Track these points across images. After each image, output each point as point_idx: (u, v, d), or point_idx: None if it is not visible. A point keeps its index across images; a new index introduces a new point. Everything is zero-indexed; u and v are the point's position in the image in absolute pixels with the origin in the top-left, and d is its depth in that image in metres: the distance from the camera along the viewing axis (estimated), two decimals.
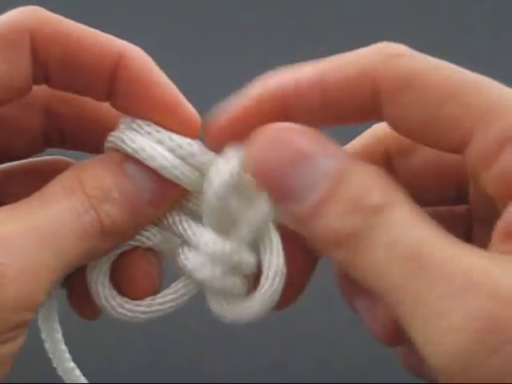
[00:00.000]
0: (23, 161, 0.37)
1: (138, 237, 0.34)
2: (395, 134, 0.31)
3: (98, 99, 0.34)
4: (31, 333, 0.31)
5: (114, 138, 0.33)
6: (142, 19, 0.83)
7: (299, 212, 0.28)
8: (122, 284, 0.34)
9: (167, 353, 0.66)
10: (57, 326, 0.36)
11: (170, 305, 0.34)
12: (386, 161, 0.35)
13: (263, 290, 0.33)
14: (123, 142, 0.32)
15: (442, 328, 0.25)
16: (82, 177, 0.31)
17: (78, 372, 0.36)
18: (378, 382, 0.63)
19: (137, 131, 0.32)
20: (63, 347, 0.36)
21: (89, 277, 0.34)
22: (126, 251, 0.34)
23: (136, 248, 0.34)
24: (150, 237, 0.34)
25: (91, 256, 0.32)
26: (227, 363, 0.66)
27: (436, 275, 0.25)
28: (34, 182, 0.36)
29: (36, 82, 0.32)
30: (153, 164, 0.32)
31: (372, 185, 0.27)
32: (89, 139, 0.36)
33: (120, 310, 0.34)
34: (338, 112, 0.31)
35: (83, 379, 0.36)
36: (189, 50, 0.80)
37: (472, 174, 0.29)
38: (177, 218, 0.34)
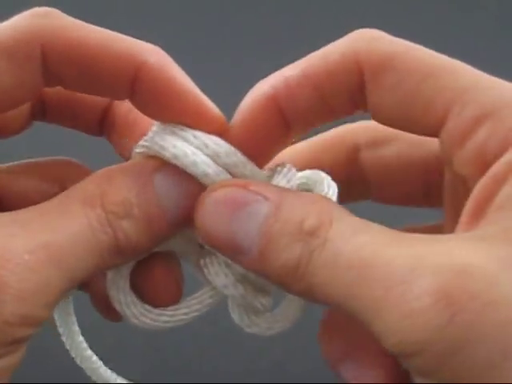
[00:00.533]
0: (27, 160, 0.36)
1: None
2: (367, 125, 0.33)
3: (118, 99, 0.33)
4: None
5: (149, 143, 0.31)
6: (142, 19, 0.83)
7: (251, 262, 0.29)
8: (142, 290, 0.33)
9: (167, 353, 0.66)
10: (73, 319, 0.35)
11: (194, 315, 0.33)
12: (352, 155, 0.36)
13: (287, 310, 0.34)
14: (162, 147, 0.31)
15: (397, 318, 0.25)
16: (105, 188, 0.30)
17: (95, 358, 0.36)
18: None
19: (177, 136, 0.31)
20: (80, 338, 0.35)
21: (109, 283, 0.33)
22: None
23: (156, 252, 0.33)
24: (172, 242, 0.33)
25: (102, 270, 0.31)
26: (227, 363, 0.66)
27: (377, 274, 0.26)
28: (37, 182, 0.35)
29: (47, 85, 0.31)
30: (194, 170, 0.30)
31: (306, 212, 0.28)
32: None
33: (142, 319, 0.33)
34: (330, 104, 0.31)
35: (102, 365, 0.36)
36: (189, 49, 0.80)
37: (446, 158, 0.30)
38: None
